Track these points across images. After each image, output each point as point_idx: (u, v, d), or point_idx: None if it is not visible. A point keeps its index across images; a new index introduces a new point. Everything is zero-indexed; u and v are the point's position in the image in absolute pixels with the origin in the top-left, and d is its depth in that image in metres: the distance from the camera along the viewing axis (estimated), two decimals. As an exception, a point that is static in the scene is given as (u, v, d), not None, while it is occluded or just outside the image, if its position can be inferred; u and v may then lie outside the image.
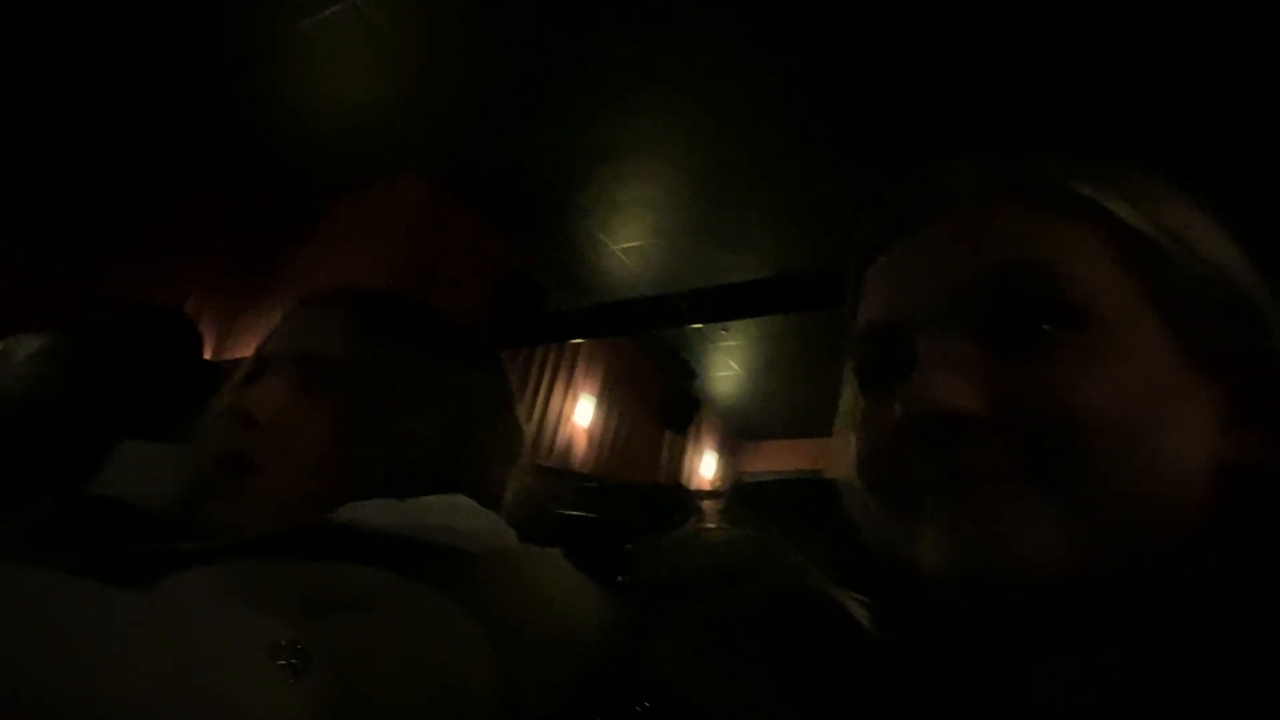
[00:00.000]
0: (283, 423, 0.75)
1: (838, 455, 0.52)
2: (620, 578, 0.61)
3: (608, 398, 5.62)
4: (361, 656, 0.51)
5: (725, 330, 5.39)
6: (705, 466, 6.86)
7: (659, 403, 6.12)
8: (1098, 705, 0.38)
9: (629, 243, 4.66)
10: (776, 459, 6.99)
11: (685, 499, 1.74)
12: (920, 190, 0.47)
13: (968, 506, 0.39)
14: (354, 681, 0.49)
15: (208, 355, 3.32)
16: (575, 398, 5.30)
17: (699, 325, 5.12)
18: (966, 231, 0.44)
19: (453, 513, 0.69)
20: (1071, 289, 0.40)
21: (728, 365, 6.01)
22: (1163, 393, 0.39)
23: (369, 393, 0.78)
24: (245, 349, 4.25)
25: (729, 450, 7.21)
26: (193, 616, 0.46)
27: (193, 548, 0.63)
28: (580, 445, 5.36)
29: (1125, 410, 0.38)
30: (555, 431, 5.13)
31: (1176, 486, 0.38)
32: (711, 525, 0.53)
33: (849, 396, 0.51)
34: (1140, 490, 0.37)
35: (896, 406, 0.40)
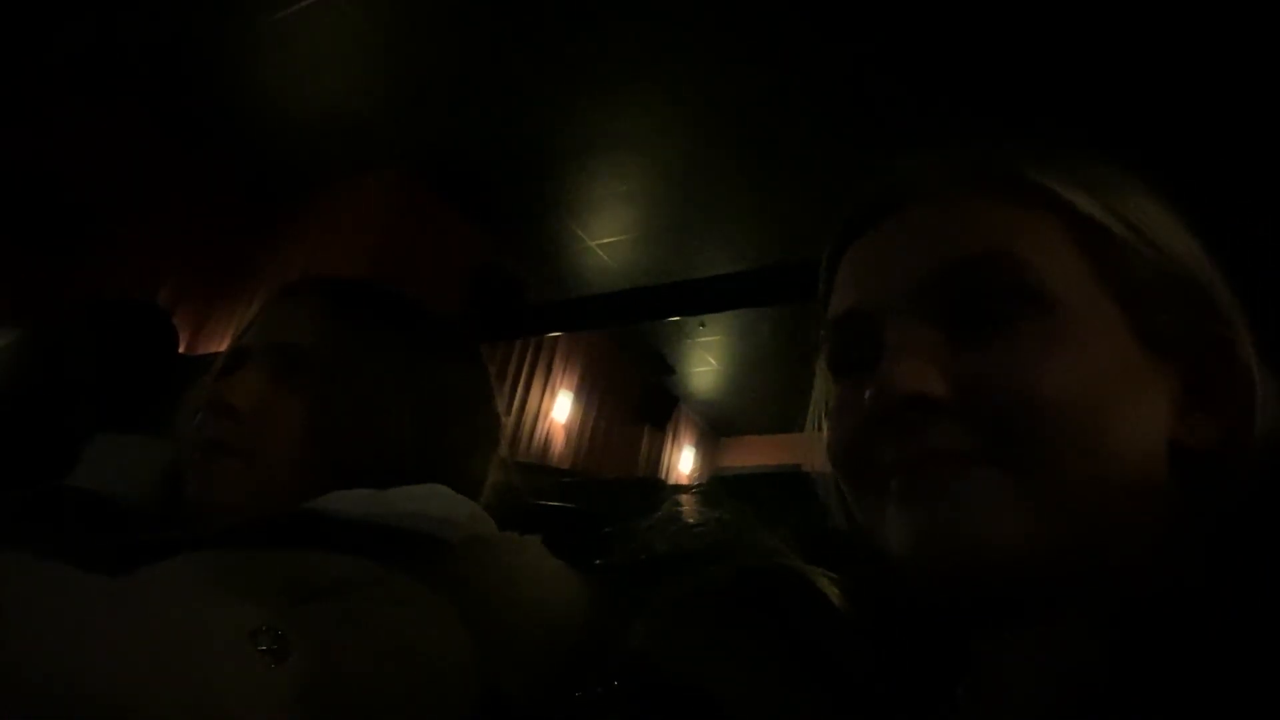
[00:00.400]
0: (261, 413, 0.75)
1: (812, 448, 0.54)
2: (598, 561, 0.61)
3: (586, 393, 5.62)
4: (340, 642, 0.51)
5: (703, 325, 5.40)
6: (683, 462, 6.87)
7: (637, 398, 6.12)
8: (1056, 682, 0.39)
9: (607, 238, 4.66)
10: (754, 454, 7.01)
11: (663, 493, 1.75)
12: (887, 183, 0.49)
13: (931, 487, 0.40)
14: (333, 667, 0.49)
15: (182, 349, 3.29)
16: (554, 393, 5.29)
17: (677, 320, 5.13)
18: (931, 222, 0.45)
19: (431, 501, 0.70)
20: (1031, 276, 0.41)
21: (705, 360, 6.02)
22: (1120, 377, 0.41)
23: (345, 382, 0.78)
24: (219, 343, 4.21)
25: (707, 445, 7.23)
26: (172, 602, 0.47)
27: (170, 536, 0.63)
28: (559, 441, 5.36)
29: (1083, 393, 0.39)
30: (534, 427, 5.12)
31: (1133, 469, 0.40)
32: (687, 509, 0.54)
33: (821, 387, 0.52)
34: (1098, 472, 0.39)
35: (866, 393, 0.42)
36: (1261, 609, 0.35)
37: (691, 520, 0.53)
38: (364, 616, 0.55)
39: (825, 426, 0.50)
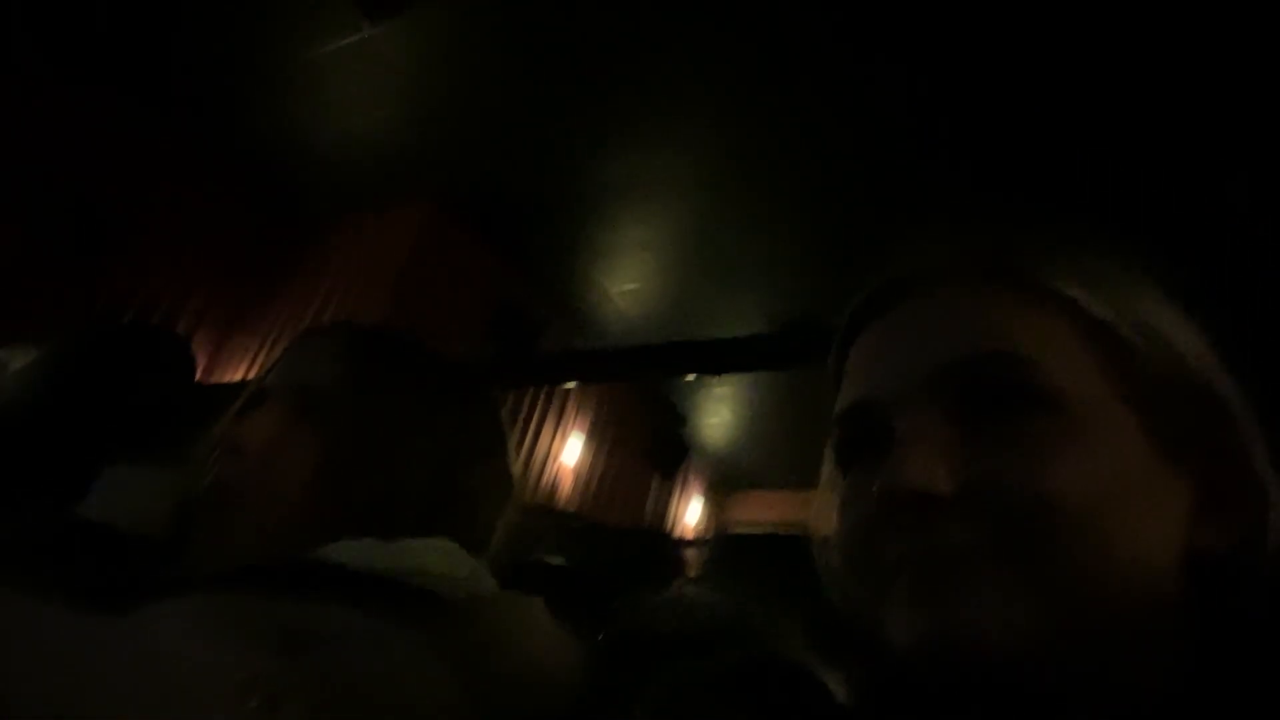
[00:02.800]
0: (269, 454, 0.76)
1: (819, 517, 0.53)
2: (601, 634, 0.61)
3: (597, 438, 5.61)
4: (333, 698, 0.51)
5: (718, 378, 5.40)
6: (691, 512, 6.82)
7: (648, 446, 6.10)
8: None
9: (626, 285, 4.69)
10: (763, 509, 6.95)
11: (669, 549, 1.74)
12: (900, 273, 0.49)
13: (937, 584, 0.40)
14: None
15: (199, 374, 3.32)
16: (565, 436, 5.28)
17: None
18: (945, 316, 0.45)
19: (435, 556, 0.69)
20: (1044, 378, 0.41)
21: (719, 412, 6.01)
22: (1132, 481, 0.40)
23: (358, 428, 0.78)
24: (237, 370, 4.25)
25: (715, 497, 7.18)
26: (169, 647, 0.47)
27: (173, 577, 0.63)
28: (566, 484, 5.33)
29: (1094, 496, 0.39)
30: (542, 469, 5.10)
31: (1144, 573, 0.39)
32: (692, 589, 0.53)
33: (829, 471, 0.52)
34: (1107, 575, 0.38)
35: (874, 486, 0.41)
36: (1268, 715, 0.34)
37: (699, 602, 0.52)
38: (358, 672, 0.55)
39: (833, 512, 0.49)
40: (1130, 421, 0.42)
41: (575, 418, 5.40)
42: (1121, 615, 0.39)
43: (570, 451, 5.32)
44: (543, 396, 5.07)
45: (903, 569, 0.41)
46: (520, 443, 4.83)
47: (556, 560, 1.01)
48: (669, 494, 6.54)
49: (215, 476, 0.76)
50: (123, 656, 0.43)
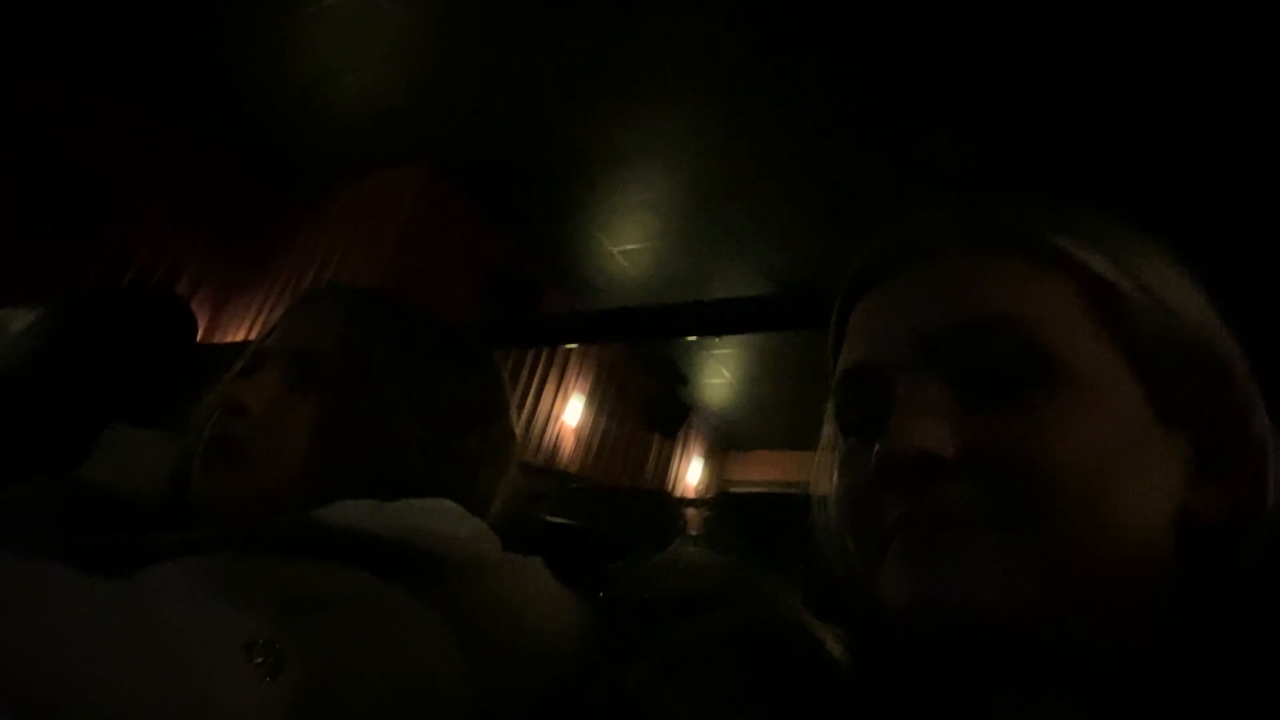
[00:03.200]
0: (272, 415, 0.76)
1: (818, 478, 0.53)
2: (601, 594, 0.61)
3: (598, 398, 5.63)
4: (336, 659, 0.51)
5: (719, 338, 5.40)
6: (691, 472, 6.86)
7: (649, 406, 6.12)
8: None
9: (628, 245, 4.67)
10: (763, 469, 7.00)
11: (670, 507, 1.75)
12: (902, 237, 0.48)
13: (933, 546, 0.40)
14: (327, 682, 0.49)
15: (200, 335, 3.32)
16: (566, 397, 5.30)
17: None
18: (945, 280, 0.45)
19: (436, 517, 0.70)
20: (1045, 342, 0.41)
21: (719, 373, 6.02)
22: (1131, 445, 0.40)
23: (358, 391, 0.78)
24: (237, 331, 4.25)
25: (716, 457, 7.22)
26: (171, 609, 0.47)
27: (174, 539, 0.64)
28: (568, 444, 5.37)
29: (1094, 461, 0.39)
30: (544, 429, 5.13)
31: (1140, 536, 0.39)
32: (693, 548, 0.53)
33: (829, 433, 0.51)
34: (1104, 539, 0.38)
35: (874, 448, 0.41)
36: (1262, 680, 0.35)
37: (699, 562, 0.52)
38: (360, 632, 0.55)
39: (833, 472, 0.49)
40: (1130, 385, 0.41)
41: (577, 378, 5.41)
42: (1116, 580, 0.39)
43: (572, 412, 5.35)
44: (544, 357, 5.08)
45: (900, 531, 0.41)
46: (522, 403, 4.85)
47: (558, 520, 1.01)
48: (670, 454, 6.58)
49: (215, 436, 0.76)
50: (123, 618, 0.43)
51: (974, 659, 0.40)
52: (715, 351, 5.68)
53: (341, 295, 0.86)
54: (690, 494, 6.52)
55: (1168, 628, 0.39)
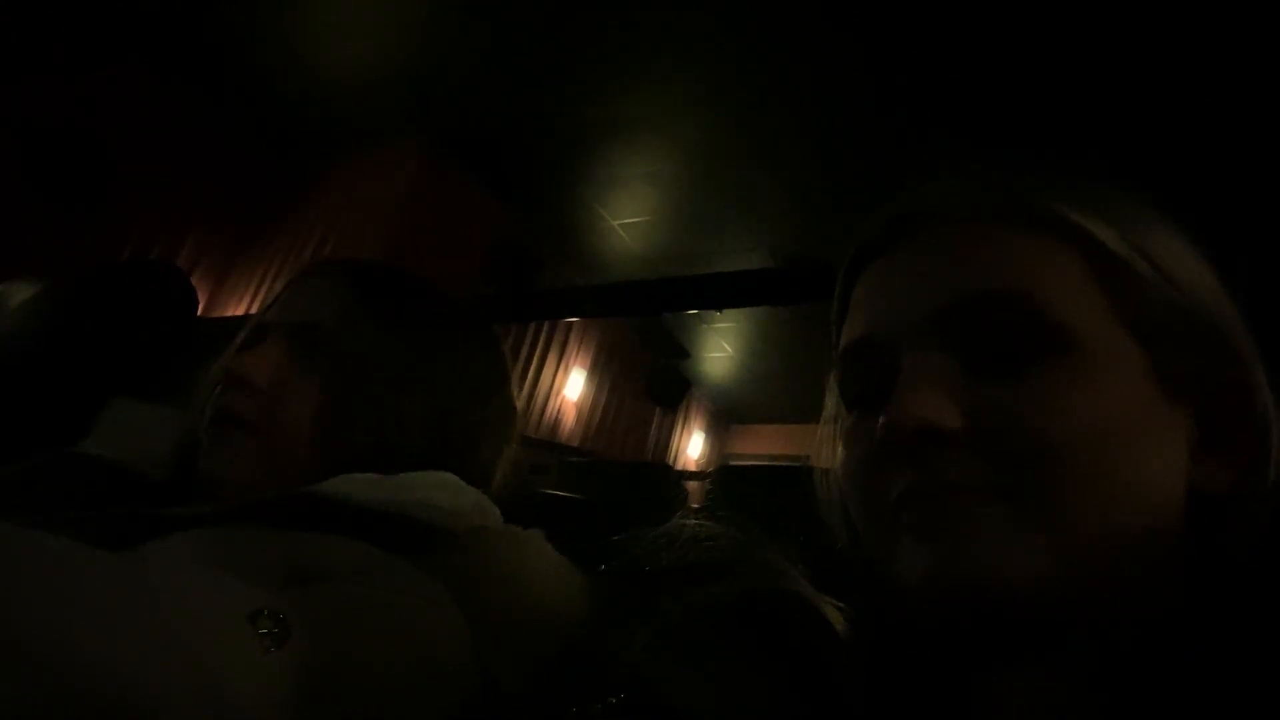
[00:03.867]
0: (276, 389, 0.76)
1: (821, 452, 0.53)
2: (603, 566, 0.62)
3: (599, 372, 5.64)
4: (340, 628, 0.51)
5: (720, 312, 5.39)
6: (692, 446, 6.89)
7: (650, 380, 6.13)
8: (1057, 718, 0.39)
9: (628, 218, 4.65)
10: (763, 442, 7.03)
11: (671, 480, 1.75)
12: (906, 208, 0.48)
13: (943, 521, 0.39)
14: (332, 652, 0.49)
15: (200, 308, 3.32)
16: (567, 371, 5.31)
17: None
18: (950, 251, 0.44)
19: (438, 490, 0.70)
20: (1051, 314, 0.40)
21: (720, 346, 6.02)
22: (1137, 418, 0.40)
23: (360, 365, 0.78)
24: (238, 305, 4.24)
25: (717, 432, 7.24)
26: (176, 580, 0.47)
27: (179, 512, 0.64)
28: (569, 418, 5.38)
29: (1099, 434, 0.38)
30: (545, 403, 5.14)
31: (1146, 510, 0.39)
32: (694, 521, 0.53)
33: (832, 406, 0.51)
34: (1110, 512, 0.38)
35: (879, 421, 0.41)
36: (1268, 652, 0.35)
37: (700, 534, 0.53)
38: (365, 603, 0.55)
39: (836, 444, 0.49)
40: (1136, 357, 0.41)
41: (578, 352, 5.42)
42: (1122, 553, 0.39)
43: (573, 386, 5.35)
44: (545, 331, 5.08)
45: (906, 504, 0.41)
46: (523, 377, 4.85)
47: (559, 493, 1.01)
48: (671, 428, 6.60)
49: (221, 410, 0.76)
50: (127, 591, 0.43)
51: (984, 633, 0.40)
52: (716, 325, 5.68)
53: (342, 269, 0.85)
54: (691, 467, 6.55)
55: (1173, 599, 0.39)
